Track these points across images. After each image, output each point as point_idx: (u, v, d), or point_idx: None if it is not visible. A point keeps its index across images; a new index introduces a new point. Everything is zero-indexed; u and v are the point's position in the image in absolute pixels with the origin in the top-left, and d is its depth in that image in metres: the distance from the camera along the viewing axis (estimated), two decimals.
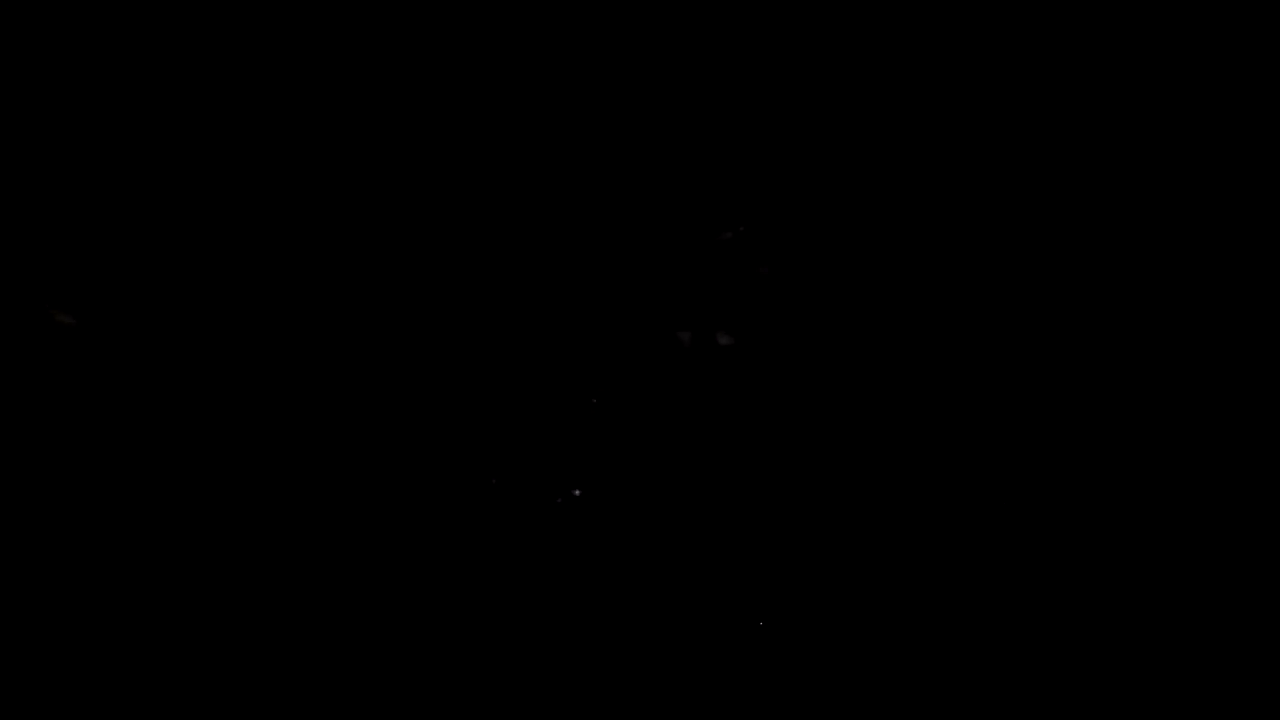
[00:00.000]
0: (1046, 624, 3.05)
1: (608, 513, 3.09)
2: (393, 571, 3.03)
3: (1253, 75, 3.20)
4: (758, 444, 3.14)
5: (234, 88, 3.17)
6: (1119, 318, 3.18)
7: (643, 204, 3.22)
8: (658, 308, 3.19)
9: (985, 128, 3.22)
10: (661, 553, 3.07)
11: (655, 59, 3.22)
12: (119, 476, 3.03)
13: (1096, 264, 3.19)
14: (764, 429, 3.14)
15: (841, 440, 3.13)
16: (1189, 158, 3.21)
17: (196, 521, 3.03)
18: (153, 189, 3.16)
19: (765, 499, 3.11)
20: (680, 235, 3.21)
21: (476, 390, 3.13)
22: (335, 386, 3.12)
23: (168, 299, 3.13)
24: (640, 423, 3.13)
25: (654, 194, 3.22)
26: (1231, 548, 3.08)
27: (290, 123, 3.17)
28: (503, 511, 3.08)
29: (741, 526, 3.10)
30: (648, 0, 3.19)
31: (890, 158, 3.23)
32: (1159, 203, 3.20)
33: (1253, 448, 3.12)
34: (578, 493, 3.07)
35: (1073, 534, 3.10)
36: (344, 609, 3.01)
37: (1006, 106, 3.22)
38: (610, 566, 3.06)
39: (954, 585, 3.07)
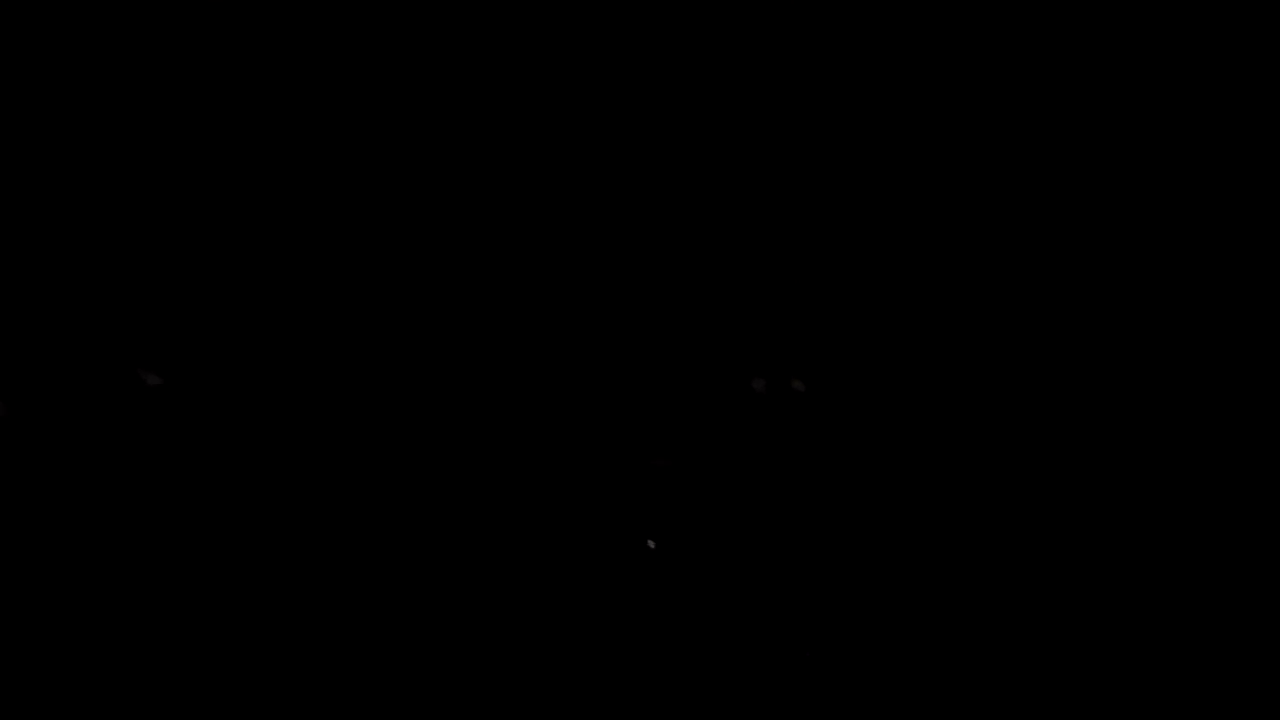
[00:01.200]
0: (1049, 625, 3.03)
1: (675, 569, 3.09)
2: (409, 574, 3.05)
3: (1253, 75, 3.20)
4: (832, 498, 3.13)
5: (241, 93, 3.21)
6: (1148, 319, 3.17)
7: (708, 246, 3.23)
8: (728, 354, 3.20)
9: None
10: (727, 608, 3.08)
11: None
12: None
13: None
14: (839, 482, 3.14)
15: (918, 501, 3.13)
16: (1189, 158, 3.20)
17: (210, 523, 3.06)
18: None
19: (835, 559, 3.10)
20: (748, 279, 3.22)
21: (534, 438, 3.15)
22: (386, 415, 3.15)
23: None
24: (712, 476, 3.14)
25: (720, 236, 3.23)
26: (1231, 548, 3.06)
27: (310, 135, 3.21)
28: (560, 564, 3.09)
29: (807, 586, 3.10)
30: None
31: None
32: (1160, 203, 3.20)
33: (1253, 448, 3.10)
34: (652, 544, 3.08)
35: (1078, 536, 3.09)
36: (348, 608, 3.03)
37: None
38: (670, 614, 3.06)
39: (963, 587, 3.06)
